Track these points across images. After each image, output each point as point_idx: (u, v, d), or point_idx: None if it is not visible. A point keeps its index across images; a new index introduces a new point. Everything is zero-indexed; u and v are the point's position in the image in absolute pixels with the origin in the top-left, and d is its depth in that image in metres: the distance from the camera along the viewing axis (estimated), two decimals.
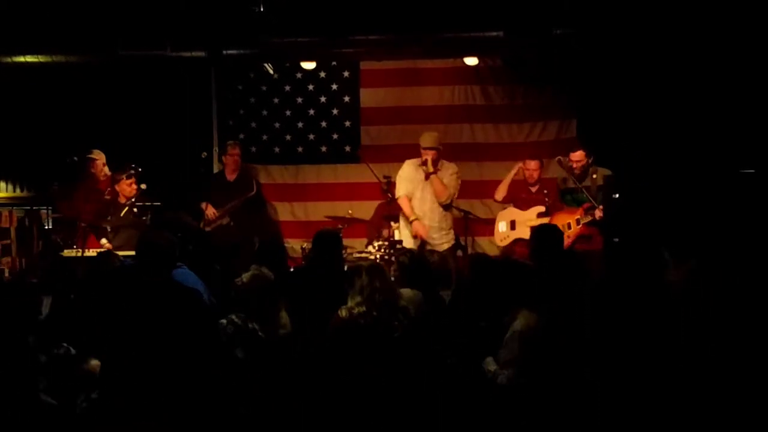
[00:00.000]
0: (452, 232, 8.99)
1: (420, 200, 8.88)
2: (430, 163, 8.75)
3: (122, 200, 8.96)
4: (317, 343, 5.28)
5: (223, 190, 9.66)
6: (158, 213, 8.86)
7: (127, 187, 8.99)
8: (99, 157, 9.26)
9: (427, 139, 8.85)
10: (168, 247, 4.73)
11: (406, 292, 5.77)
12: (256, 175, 10.33)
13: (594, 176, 8.51)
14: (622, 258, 5.07)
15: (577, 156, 8.72)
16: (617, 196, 7.98)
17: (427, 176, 8.79)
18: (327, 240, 6.56)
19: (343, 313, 5.25)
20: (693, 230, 7.61)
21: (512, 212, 9.17)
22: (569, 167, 8.74)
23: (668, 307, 4.44)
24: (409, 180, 8.93)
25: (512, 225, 9.00)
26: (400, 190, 8.94)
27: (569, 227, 8.51)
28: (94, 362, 4.30)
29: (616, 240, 7.92)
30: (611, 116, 9.37)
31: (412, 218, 8.80)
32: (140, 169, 9.01)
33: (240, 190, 9.60)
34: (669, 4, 7.81)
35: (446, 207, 8.93)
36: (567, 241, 8.38)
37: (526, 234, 8.74)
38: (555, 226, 7.36)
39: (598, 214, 8.21)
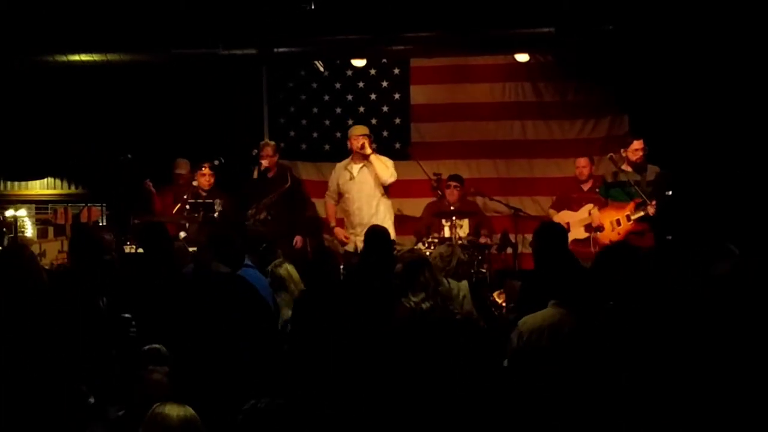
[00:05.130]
0: (392, 227, 8.72)
1: (349, 200, 9.06)
2: (366, 145, 8.84)
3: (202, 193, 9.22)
4: (382, 335, 5.27)
5: (262, 186, 9.63)
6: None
7: (201, 178, 9.23)
8: (184, 168, 9.47)
9: (358, 129, 9.08)
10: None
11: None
12: (292, 170, 10.22)
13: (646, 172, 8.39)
14: (683, 256, 4.95)
15: (637, 144, 8.48)
16: (670, 193, 7.89)
17: (367, 157, 8.86)
18: (379, 236, 6.72)
19: (408, 305, 5.28)
20: (749, 226, 7.50)
21: (565, 214, 9.12)
22: (624, 160, 8.56)
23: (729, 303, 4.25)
24: (335, 181, 9.19)
25: (567, 227, 8.89)
26: (328, 195, 9.34)
27: (618, 224, 8.38)
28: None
29: (669, 238, 7.83)
30: (664, 112, 9.24)
31: (332, 224, 9.27)
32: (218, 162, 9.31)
33: (277, 185, 9.57)
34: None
35: (381, 202, 8.92)
36: (617, 238, 8.29)
37: (581, 234, 8.71)
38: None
39: (651, 210, 8.10)
